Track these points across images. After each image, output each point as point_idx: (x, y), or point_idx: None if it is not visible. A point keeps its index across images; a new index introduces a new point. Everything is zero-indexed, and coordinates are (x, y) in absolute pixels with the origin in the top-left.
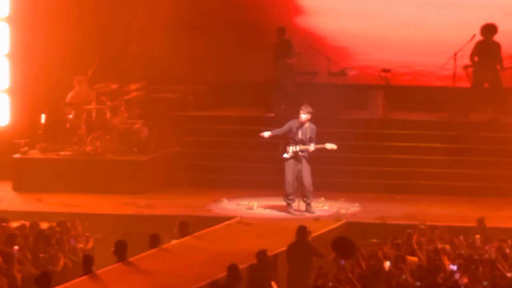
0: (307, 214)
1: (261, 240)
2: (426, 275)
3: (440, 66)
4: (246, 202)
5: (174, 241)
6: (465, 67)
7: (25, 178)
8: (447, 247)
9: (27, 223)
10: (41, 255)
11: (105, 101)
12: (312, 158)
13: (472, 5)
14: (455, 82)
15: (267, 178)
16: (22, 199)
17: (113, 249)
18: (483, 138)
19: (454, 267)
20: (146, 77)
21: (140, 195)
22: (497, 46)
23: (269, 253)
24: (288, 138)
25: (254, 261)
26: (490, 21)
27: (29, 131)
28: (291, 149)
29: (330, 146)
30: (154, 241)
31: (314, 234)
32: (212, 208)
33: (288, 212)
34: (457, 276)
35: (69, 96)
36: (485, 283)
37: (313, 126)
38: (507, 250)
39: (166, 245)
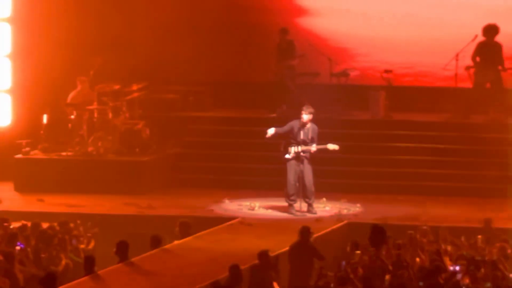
0: (308, 215)
1: (263, 240)
2: (428, 276)
3: (442, 67)
4: (247, 203)
5: (175, 242)
6: (467, 67)
7: (26, 179)
8: (449, 248)
9: (29, 224)
10: (42, 255)
11: (106, 102)
12: (314, 158)
13: (474, 5)
14: (457, 83)
15: (268, 179)
16: (24, 200)
17: (114, 249)
18: (485, 139)
19: (456, 268)
20: (148, 78)
21: (142, 195)
22: (498, 46)
23: (271, 254)
24: (290, 139)
25: (256, 261)
26: (491, 22)
27: (31, 132)
28: (293, 149)
29: (332, 146)
30: (156, 242)
31: (315, 235)
32: (213, 208)
33: (290, 213)
34: (459, 277)
35: (70, 97)
36: (488, 284)
37: (315, 127)
38: (509, 251)
39: (167, 246)
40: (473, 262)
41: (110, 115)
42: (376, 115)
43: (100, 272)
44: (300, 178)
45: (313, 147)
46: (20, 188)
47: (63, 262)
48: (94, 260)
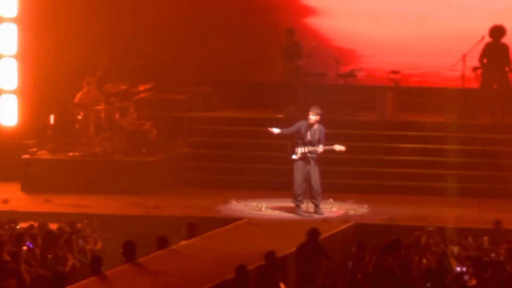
0: (315, 216)
1: (270, 241)
2: (435, 277)
3: (449, 68)
4: (254, 203)
5: (182, 242)
6: (474, 68)
7: (33, 179)
8: (456, 249)
9: (36, 224)
10: (49, 255)
11: (113, 102)
12: (321, 159)
13: (481, 7)
14: (464, 84)
15: (275, 179)
16: (31, 200)
17: (121, 250)
18: (492, 140)
19: (463, 269)
20: (155, 78)
21: (148, 196)
22: (505, 48)
23: (278, 254)
24: (297, 140)
25: (263, 262)
26: (499, 23)
27: (38, 132)
28: (300, 150)
29: (338, 147)
30: (162, 242)
31: (322, 236)
32: (220, 209)
33: (297, 213)
34: (465, 278)
35: (78, 97)
36: None
37: (322, 128)
38: None
39: (174, 246)
40: (480, 263)
41: (117, 115)
42: (383, 115)
43: (107, 272)
44: (307, 179)
45: (320, 148)
46: (27, 188)
47: (70, 262)
48: (101, 260)
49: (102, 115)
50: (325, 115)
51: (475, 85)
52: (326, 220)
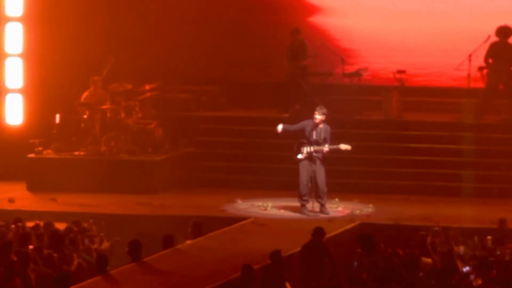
0: (321, 215)
1: (275, 240)
2: (440, 276)
3: (455, 68)
4: (260, 203)
5: (188, 242)
6: (480, 68)
7: (39, 178)
8: (461, 248)
9: (41, 223)
10: (55, 254)
11: (119, 101)
12: (326, 159)
13: (487, 6)
14: (470, 84)
15: (281, 179)
16: (36, 199)
17: (127, 249)
18: (497, 140)
19: (469, 269)
20: (161, 77)
21: (154, 195)
22: (511, 48)
23: (283, 254)
24: (302, 139)
25: (268, 261)
26: (505, 23)
27: (44, 131)
28: (306, 150)
29: (344, 146)
30: (168, 242)
31: (328, 235)
32: (226, 208)
33: (302, 213)
34: (471, 278)
35: (83, 96)
36: None
37: (328, 127)
38: None
39: (179, 246)
40: (485, 263)
41: (123, 114)
42: (388, 115)
43: (112, 271)
44: (313, 179)
45: (326, 147)
46: (33, 187)
47: (76, 261)
48: (107, 259)
49: (108, 115)
50: (331, 115)
51: (481, 84)
52: (331, 220)
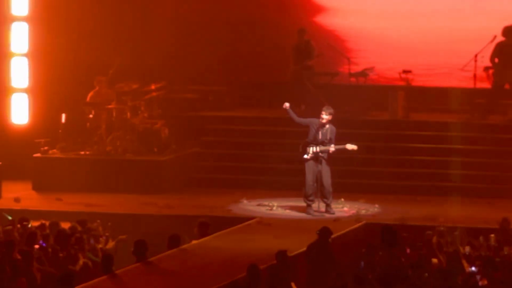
0: (326, 215)
1: (281, 240)
2: (446, 276)
3: (461, 68)
4: (266, 203)
5: (193, 242)
6: (486, 68)
7: (45, 178)
8: (467, 248)
9: (47, 223)
10: (60, 254)
11: (125, 101)
12: (332, 159)
13: (493, 7)
14: (476, 84)
15: (287, 179)
16: (42, 199)
17: (132, 249)
18: (502, 140)
19: (475, 269)
20: (167, 77)
21: (160, 195)
22: None
23: (289, 254)
24: (308, 139)
25: (274, 261)
26: (511, 23)
27: (49, 131)
28: (311, 150)
29: (350, 146)
30: (174, 241)
31: (333, 235)
32: (231, 208)
33: (308, 213)
34: (477, 278)
35: (89, 96)
36: None
37: (334, 128)
38: None
39: (185, 246)
40: (491, 263)
41: (129, 114)
42: (394, 115)
43: (118, 271)
44: (318, 179)
45: (332, 147)
46: (38, 187)
47: (81, 261)
48: (112, 259)
49: (114, 114)
50: (337, 115)
51: (487, 85)
52: (337, 220)
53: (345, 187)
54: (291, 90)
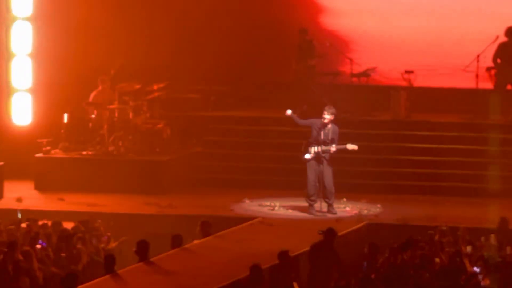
0: (329, 215)
1: (283, 240)
2: (448, 276)
3: (463, 68)
4: (268, 203)
5: (196, 241)
6: (488, 69)
7: (47, 178)
8: (468, 248)
9: (49, 222)
10: (63, 254)
11: (127, 101)
12: (334, 159)
13: (495, 7)
14: (478, 84)
15: (289, 179)
16: (44, 198)
17: (134, 249)
18: (505, 140)
19: (477, 269)
20: (169, 77)
21: (162, 195)
22: None
23: (291, 254)
24: (310, 139)
25: (276, 261)
26: None
27: (52, 131)
28: (313, 150)
29: (351, 146)
30: (176, 241)
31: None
32: (234, 208)
33: (310, 213)
34: (479, 278)
35: (91, 96)
36: None
37: (336, 128)
38: None
39: (188, 245)
40: (492, 263)
41: (131, 114)
42: (396, 115)
43: (120, 271)
44: (320, 179)
45: (333, 147)
46: (41, 187)
47: (83, 261)
48: (115, 259)
49: (116, 114)
50: (339, 115)
51: (489, 85)
52: (339, 220)
53: (347, 187)
54: (293, 90)
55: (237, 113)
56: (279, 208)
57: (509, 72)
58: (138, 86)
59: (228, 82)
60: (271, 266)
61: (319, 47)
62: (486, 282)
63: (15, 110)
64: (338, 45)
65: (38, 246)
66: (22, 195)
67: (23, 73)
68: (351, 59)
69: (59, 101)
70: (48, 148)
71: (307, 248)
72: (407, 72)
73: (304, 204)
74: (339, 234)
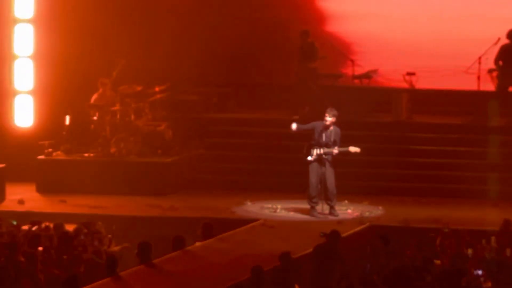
0: (330, 217)
1: (285, 242)
2: (450, 278)
3: (465, 70)
4: (269, 205)
5: (197, 243)
6: (490, 71)
7: (49, 180)
8: (470, 251)
9: (51, 225)
10: (64, 256)
11: (129, 103)
12: (336, 161)
13: (497, 9)
14: (480, 86)
15: (290, 181)
16: (46, 201)
17: (136, 251)
18: (507, 142)
19: (479, 272)
20: (171, 79)
21: (164, 197)
22: None
23: (293, 256)
24: (312, 141)
25: (278, 263)
26: None
27: (53, 133)
28: (315, 152)
29: (353, 149)
30: (178, 243)
31: None
32: (235, 210)
33: (312, 215)
34: (481, 280)
35: (93, 98)
36: None
37: (338, 130)
38: None
39: (189, 247)
40: (494, 265)
41: (133, 116)
42: (398, 117)
43: (122, 273)
44: (322, 181)
45: (335, 149)
46: (42, 189)
47: (85, 263)
48: (116, 261)
49: (118, 116)
50: (341, 117)
51: (491, 87)
52: (341, 222)
53: (349, 189)
54: (295, 92)
55: (239, 115)
56: (280, 210)
57: (511, 74)
58: (140, 88)
59: (230, 83)
60: (273, 268)
61: (321, 49)
62: (488, 284)
63: (17, 112)
64: (340, 47)
65: (41, 248)
66: (24, 197)
67: (25, 75)
68: (353, 61)
69: (61, 103)
70: (50, 150)
71: (308, 250)
72: (409, 74)
73: (306, 206)
74: (341, 236)
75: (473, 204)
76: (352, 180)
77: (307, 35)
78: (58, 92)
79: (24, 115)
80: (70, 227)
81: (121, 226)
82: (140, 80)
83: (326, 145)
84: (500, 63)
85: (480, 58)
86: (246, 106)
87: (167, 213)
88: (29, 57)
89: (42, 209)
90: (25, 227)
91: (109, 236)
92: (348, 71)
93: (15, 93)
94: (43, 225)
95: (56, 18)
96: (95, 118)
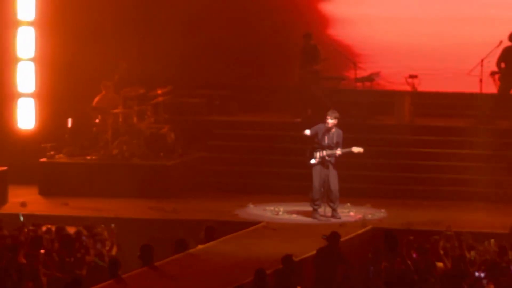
0: (333, 220)
1: (287, 245)
2: (452, 281)
3: (467, 73)
4: (272, 207)
5: (200, 246)
6: (492, 73)
7: (51, 182)
8: (473, 253)
9: (53, 227)
10: (66, 259)
11: (131, 106)
12: (339, 163)
13: (499, 12)
14: (482, 89)
15: (293, 183)
16: (48, 203)
17: (138, 253)
18: (509, 144)
19: (481, 274)
20: (173, 82)
21: (166, 199)
22: None
23: (295, 258)
24: (315, 144)
25: (280, 266)
26: None
27: (56, 135)
28: (318, 154)
29: (356, 149)
30: (180, 246)
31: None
32: (238, 213)
33: (314, 218)
34: (483, 282)
35: (95, 101)
36: None
37: (340, 132)
38: None
39: (192, 250)
40: (497, 268)
41: (135, 119)
42: (400, 120)
43: (124, 276)
44: (325, 183)
45: (338, 151)
46: (45, 191)
47: (87, 266)
48: (119, 264)
49: (120, 119)
50: (343, 119)
51: (493, 89)
52: (343, 224)
53: (352, 191)
54: (298, 95)
55: (241, 118)
56: (283, 212)
57: None
58: (142, 91)
59: (232, 86)
60: (275, 271)
61: (323, 51)
62: (490, 287)
63: (19, 114)
64: (342, 50)
65: (43, 250)
66: (26, 200)
67: (27, 78)
68: (355, 64)
69: (63, 105)
70: (52, 152)
71: (311, 253)
72: (411, 76)
73: (308, 208)
74: (343, 239)
75: (476, 206)
76: (355, 183)
77: (310, 37)
78: (60, 94)
79: (27, 117)
80: (72, 230)
81: (124, 228)
82: (142, 83)
83: (329, 147)
84: (502, 65)
85: (482, 60)
86: (248, 108)
87: (170, 215)
88: (31, 59)
89: (45, 211)
90: (27, 230)
91: (112, 239)
92: (351, 74)
93: (17, 95)
94: (44, 228)
95: (59, 20)
96: (97, 120)
